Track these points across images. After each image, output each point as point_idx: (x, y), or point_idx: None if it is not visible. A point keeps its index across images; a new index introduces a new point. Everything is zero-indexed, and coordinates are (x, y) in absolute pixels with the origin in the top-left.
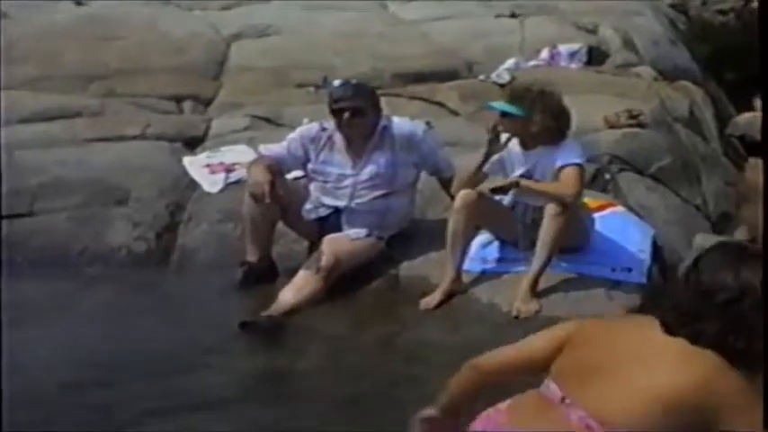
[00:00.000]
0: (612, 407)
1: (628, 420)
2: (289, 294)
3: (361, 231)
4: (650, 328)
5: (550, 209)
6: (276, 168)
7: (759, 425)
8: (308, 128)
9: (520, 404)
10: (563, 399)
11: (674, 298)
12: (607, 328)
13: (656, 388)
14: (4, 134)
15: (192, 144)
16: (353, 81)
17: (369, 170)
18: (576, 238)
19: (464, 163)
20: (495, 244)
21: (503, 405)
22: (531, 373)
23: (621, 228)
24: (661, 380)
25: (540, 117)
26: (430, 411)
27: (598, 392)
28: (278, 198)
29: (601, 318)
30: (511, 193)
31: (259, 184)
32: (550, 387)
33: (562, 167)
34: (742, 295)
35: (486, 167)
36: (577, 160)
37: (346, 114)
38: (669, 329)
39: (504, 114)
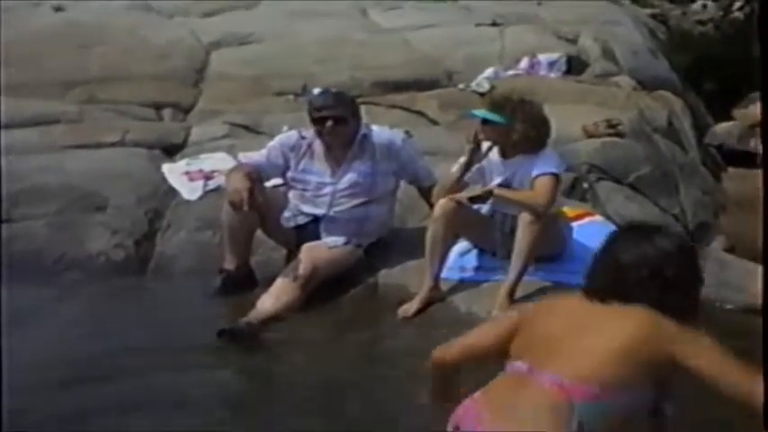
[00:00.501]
0: (582, 368)
1: (599, 377)
2: (267, 302)
3: (340, 239)
4: (585, 300)
5: (525, 217)
6: (255, 176)
7: (709, 348)
8: (287, 136)
9: (493, 389)
10: (530, 369)
11: (601, 275)
12: (549, 306)
13: (614, 344)
14: None
15: (172, 151)
16: (333, 89)
17: (348, 178)
18: (553, 246)
19: (445, 172)
20: (474, 252)
21: (476, 395)
22: (488, 359)
23: (599, 236)
24: (615, 336)
25: (521, 125)
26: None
27: (565, 358)
28: (256, 206)
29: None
30: (489, 201)
31: (238, 191)
32: (515, 365)
33: (537, 177)
34: (664, 264)
35: (466, 177)
36: (553, 170)
37: (329, 123)
38: (602, 299)
39: (485, 122)
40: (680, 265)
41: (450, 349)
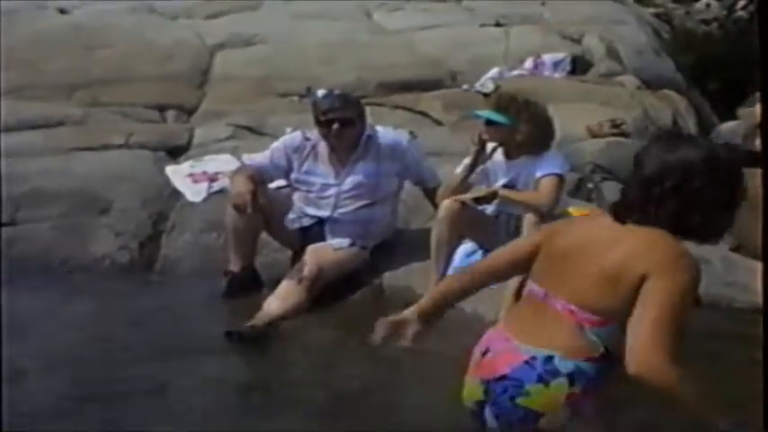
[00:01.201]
0: (584, 295)
1: (597, 304)
2: (274, 304)
3: (345, 241)
4: (602, 218)
5: (529, 218)
6: (259, 178)
7: (680, 289)
8: (291, 137)
9: (514, 314)
10: (545, 294)
11: (626, 189)
12: (569, 225)
13: (607, 265)
14: None
15: (176, 153)
16: (337, 91)
17: (352, 180)
18: None
19: (449, 173)
20: (479, 253)
21: (499, 324)
22: (517, 273)
23: None
24: (611, 257)
25: (526, 126)
26: (404, 315)
27: (569, 282)
28: (260, 208)
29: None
30: (494, 202)
31: (241, 194)
32: (532, 287)
33: (541, 177)
34: (687, 175)
35: (470, 178)
36: (557, 171)
37: (335, 125)
38: (619, 218)
39: (489, 123)
40: (703, 178)
41: (482, 263)
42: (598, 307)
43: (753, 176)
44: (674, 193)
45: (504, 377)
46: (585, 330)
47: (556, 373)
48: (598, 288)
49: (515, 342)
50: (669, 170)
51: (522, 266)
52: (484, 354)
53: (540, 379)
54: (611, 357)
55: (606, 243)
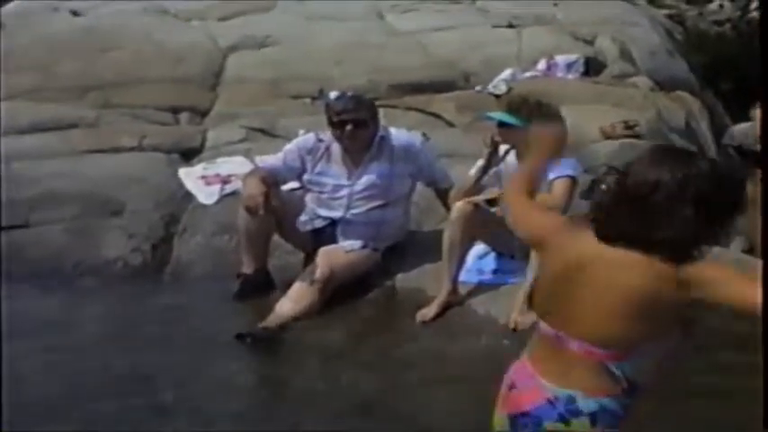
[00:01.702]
0: (595, 327)
1: (611, 334)
2: (286, 306)
3: (357, 243)
4: (585, 239)
5: None
6: (271, 180)
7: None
8: (304, 139)
9: (536, 351)
10: (557, 336)
11: (600, 202)
12: (569, 239)
13: (620, 300)
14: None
15: (189, 155)
16: (350, 93)
17: (364, 181)
18: None
19: (461, 174)
20: (492, 255)
21: (524, 357)
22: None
23: None
24: (620, 291)
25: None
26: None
27: (579, 318)
28: (272, 210)
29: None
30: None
31: (253, 196)
32: (541, 326)
33: (554, 180)
34: (654, 188)
35: (483, 180)
36: (569, 173)
37: (349, 127)
38: (597, 232)
39: (501, 125)
40: (686, 194)
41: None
42: (616, 341)
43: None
44: (638, 205)
45: (526, 413)
46: (608, 366)
47: (577, 413)
48: (612, 320)
49: (540, 380)
50: (639, 181)
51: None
52: (511, 388)
53: (561, 418)
54: (635, 387)
55: (612, 267)
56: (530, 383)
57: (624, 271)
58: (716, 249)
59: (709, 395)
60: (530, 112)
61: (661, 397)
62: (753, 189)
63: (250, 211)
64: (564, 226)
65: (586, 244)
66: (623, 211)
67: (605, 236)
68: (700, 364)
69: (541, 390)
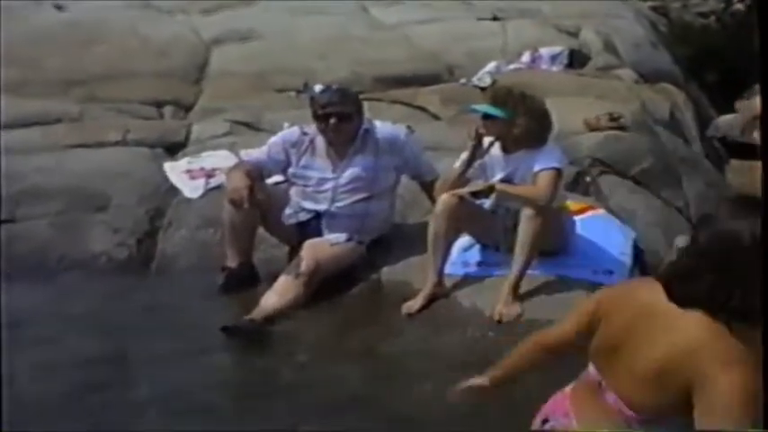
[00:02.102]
0: (630, 388)
1: (643, 399)
2: (272, 299)
3: (342, 236)
4: (655, 293)
5: (527, 212)
6: (255, 173)
7: (743, 386)
8: (289, 132)
9: (580, 387)
10: (600, 384)
11: (674, 260)
12: (623, 298)
13: (654, 364)
14: None
15: (173, 150)
16: (335, 86)
17: (349, 173)
18: (556, 240)
19: (447, 167)
20: (477, 247)
21: (568, 388)
22: (581, 343)
23: (603, 230)
24: (661, 349)
25: (523, 119)
26: (480, 380)
27: (620, 375)
28: (257, 203)
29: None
30: (492, 196)
31: (237, 189)
32: (590, 370)
33: (539, 172)
34: (732, 249)
35: (468, 172)
36: (555, 164)
37: (333, 120)
38: (668, 291)
39: (486, 117)
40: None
41: (549, 336)
42: (645, 406)
43: (754, 170)
44: (714, 266)
45: None
46: (633, 427)
47: None
48: (645, 386)
49: (574, 422)
50: (715, 240)
51: (586, 338)
52: (544, 422)
53: None
54: None
55: (657, 328)
56: (564, 423)
57: (670, 330)
58: None
59: None
60: (514, 103)
61: None
62: (737, 181)
63: (235, 204)
64: (613, 295)
65: (641, 301)
66: (702, 269)
67: (681, 298)
68: None
69: None
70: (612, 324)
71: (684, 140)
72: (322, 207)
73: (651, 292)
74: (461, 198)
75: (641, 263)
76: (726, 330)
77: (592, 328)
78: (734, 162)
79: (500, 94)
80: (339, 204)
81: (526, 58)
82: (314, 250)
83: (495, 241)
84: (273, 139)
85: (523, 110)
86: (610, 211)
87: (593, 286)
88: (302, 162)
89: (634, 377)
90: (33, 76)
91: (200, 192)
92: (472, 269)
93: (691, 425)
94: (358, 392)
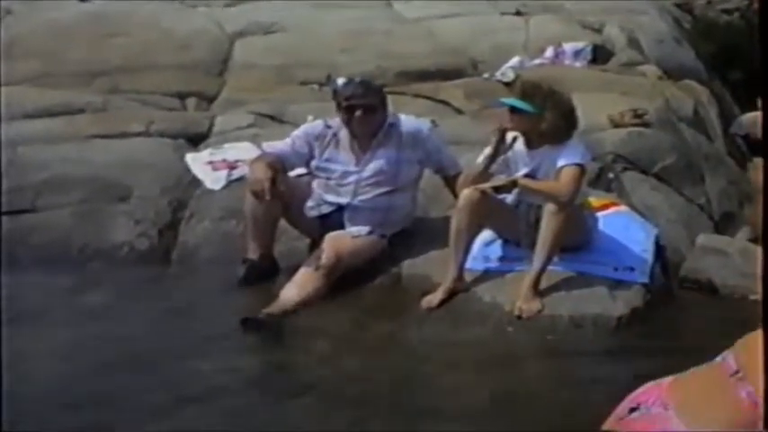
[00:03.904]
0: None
1: None
2: (292, 292)
3: (364, 229)
4: None
5: (549, 207)
6: (278, 165)
7: None
8: (312, 125)
9: (686, 383)
10: (736, 372)
11: None
12: None
13: None
14: (8, 130)
15: (196, 141)
16: (358, 78)
17: (372, 167)
18: (578, 236)
19: (469, 162)
20: (498, 242)
21: (665, 381)
22: None
23: (625, 227)
24: None
25: (551, 114)
26: None
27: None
28: (279, 195)
29: None
30: (514, 191)
31: (259, 181)
32: (727, 359)
33: (562, 167)
34: None
35: (491, 167)
36: (578, 160)
37: (358, 112)
38: None
39: (514, 110)
40: None
41: None
42: None
43: None
44: None
45: None
46: (758, 426)
47: None
48: None
49: (673, 412)
50: None
51: None
52: (632, 410)
53: None
54: None
55: None
56: (660, 413)
57: None
58: (722, 238)
59: None
60: (543, 98)
61: None
62: (758, 178)
63: (256, 195)
64: None
65: None
66: None
67: None
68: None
69: (673, 423)
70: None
71: (707, 137)
72: (344, 200)
73: None
74: (484, 193)
75: (663, 260)
76: None
77: None
78: (756, 160)
79: (529, 89)
80: (361, 198)
81: (549, 53)
82: (335, 243)
83: (516, 236)
84: (297, 131)
85: (552, 105)
86: (632, 207)
87: (615, 283)
88: (325, 155)
89: None
90: (57, 67)
91: (222, 183)
92: (493, 264)
93: None
94: (377, 386)
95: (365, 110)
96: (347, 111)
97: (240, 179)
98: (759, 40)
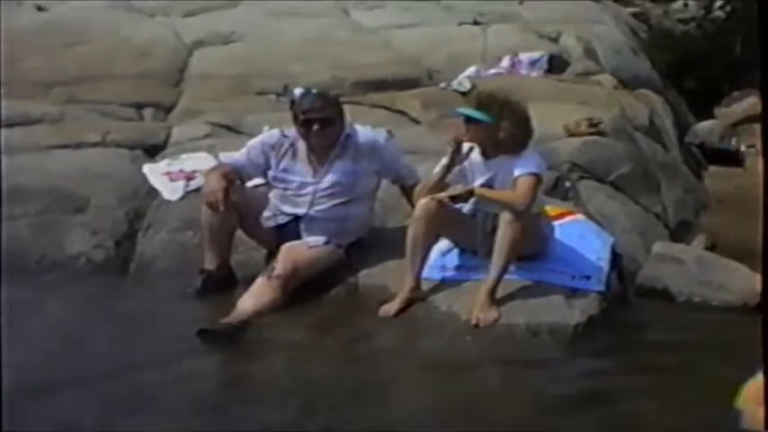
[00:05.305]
0: None
1: None
2: (248, 302)
3: (320, 239)
4: None
5: (506, 216)
6: (233, 176)
7: None
8: (269, 135)
9: None
10: None
11: None
12: None
13: None
14: None
15: (153, 151)
16: (314, 90)
17: (330, 178)
18: (534, 245)
19: (427, 171)
20: (455, 252)
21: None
22: None
23: (581, 236)
24: None
25: (507, 124)
26: None
27: None
28: (235, 205)
29: None
30: (471, 200)
31: (213, 192)
32: None
33: (518, 177)
34: None
35: (447, 177)
36: (534, 170)
37: (316, 126)
38: None
39: (469, 120)
40: None
41: None
42: None
43: (729, 177)
44: None
45: None
46: None
47: None
48: None
49: None
50: None
51: None
52: None
53: None
54: None
55: None
56: (753, 411)
57: None
58: (678, 246)
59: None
60: (499, 108)
61: None
62: (715, 187)
63: (211, 206)
64: None
65: None
66: None
67: None
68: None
69: None
70: None
71: (663, 146)
72: (301, 211)
73: None
74: (441, 202)
75: (619, 268)
76: None
77: None
78: (712, 168)
79: (485, 99)
80: (318, 208)
81: (506, 62)
82: (291, 253)
83: (473, 245)
84: (253, 141)
85: (508, 114)
86: (588, 216)
87: (571, 292)
88: (282, 165)
89: None
90: (14, 76)
91: (179, 194)
92: (450, 273)
93: None
94: (333, 395)
95: (322, 123)
96: (304, 124)
97: (197, 190)
98: (759, 40)
